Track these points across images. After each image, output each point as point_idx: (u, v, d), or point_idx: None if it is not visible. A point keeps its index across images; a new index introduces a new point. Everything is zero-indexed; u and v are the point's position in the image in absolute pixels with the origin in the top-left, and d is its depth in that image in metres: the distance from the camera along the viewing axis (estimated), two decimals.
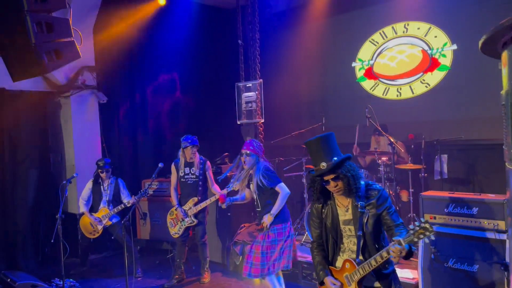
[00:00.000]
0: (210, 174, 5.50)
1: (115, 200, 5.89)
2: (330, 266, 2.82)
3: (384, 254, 2.48)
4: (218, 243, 6.17)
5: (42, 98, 6.91)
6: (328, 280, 2.76)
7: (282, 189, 4.21)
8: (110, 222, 5.83)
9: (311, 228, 2.95)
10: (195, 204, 5.35)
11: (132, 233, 5.55)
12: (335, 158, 2.58)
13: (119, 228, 5.66)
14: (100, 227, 5.80)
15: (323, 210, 2.79)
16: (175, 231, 5.48)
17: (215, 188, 5.42)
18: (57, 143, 7.04)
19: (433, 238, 2.32)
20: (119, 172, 6.37)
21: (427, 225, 2.31)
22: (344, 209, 2.71)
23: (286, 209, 4.32)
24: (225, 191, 5.03)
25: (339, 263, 2.79)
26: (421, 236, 2.32)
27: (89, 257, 6.33)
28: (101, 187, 5.91)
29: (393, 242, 2.40)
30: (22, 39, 3.97)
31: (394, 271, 2.73)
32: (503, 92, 1.59)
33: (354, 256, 2.68)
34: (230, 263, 5.91)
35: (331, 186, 2.63)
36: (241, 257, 5.69)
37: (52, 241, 5.20)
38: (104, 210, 5.82)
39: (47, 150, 7.00)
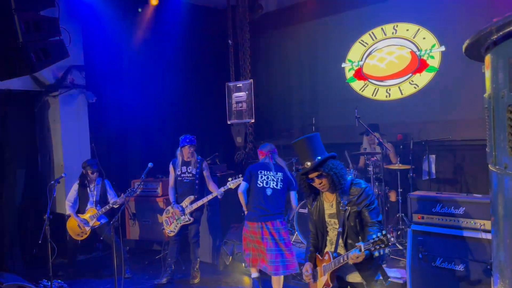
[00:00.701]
0: (207, 173, 5.54)
1: (102, 201, 5.85)
2: (317, 254, 3.01)
3: (345, 257, 2.68)
4: (208, 244, 6.16)
5: (30, 98, 6.85)
6: (305, 265, 3.02)
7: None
8: (98, 223, 5.78)
9: (309, 219, 3.15)
10: (191, 203, 5.37)
11: (121, 233, 5.52)
12: (319, 157, 2.75)
13: (108, 229, 5.62)
14: (87, 229, 5.75)
15: (313, 203, 2.98)
16: (170, 229, 5.48)
17: (212, 187, 5.44)
18: (45, 143, 6.97)
19: (387, 252, 2.50)
20: (108, 172, 6.32)
21: (384, 239, 2.48)
22: (329, 203, 2.89)
23: (250, 210, 4.62)
24: (222, 190, 5.22)
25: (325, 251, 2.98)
26: (377, 247, 2.48)
27: (77, 258, 6.28)
28: (87, 188, 5.87)
29: (354, 248, 2.59)
30: (10, 38, 3.93)
31: (377, 265, 2.83)
32: (486, 95, 1.62)
33: (334, 249, 2.86)
34: (220, 263, 5.91)
35: (316, 184, 2.81)
36: (231, 257, 5.70)
37: (40, 241, 5.15)
38: (91, 211, 5.78)
39: (35, 150, 6.94)
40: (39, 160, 6.98)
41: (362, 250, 2.51)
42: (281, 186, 4.55)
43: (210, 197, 5.34)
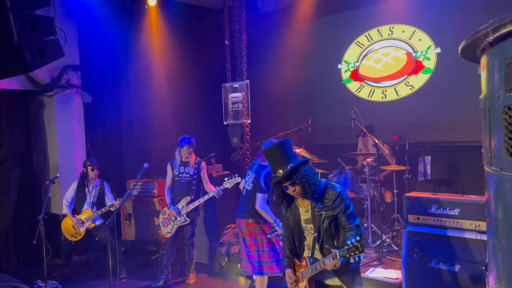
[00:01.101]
0: (205, 174, 5.53)
1: (99, 202, 5.83)
2: (295, 259, 2.98)
3: (322, 264, 2.67)
4: (204, 244, 6.15)
5: (25, 97, 6.81)
6: (286, 272, 2.96)
7: None
8: (93, 225, 5.76)
9: (282, 224, 3.13)
10: (188, 204, 5.35)
11: (117, 234, 5.50)
12: (291, 165, 2.69)
13: (103, 229, 5.60)
14: (82, 230, 5.72)
15: (288, 209, 2.94)
16: (167, 230, 5.46)
17: (209, 188, 5.43)
18: (40, 143, 6.93)
19: (362, 258, 2.53)
20: (103, 173, 6.29)
21: (358, 245, 2.47)
22: (304, 209, 2.86)
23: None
24: (220, 188, 5.22)
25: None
26: (352, 253, 2.48)
27: (72, 259, 6.25)
28: (86, 188, 5.85)
29: (330, 255, 2.59)
30: (5, 37, 3.91)
31: (355, 269, 2.82)
32: (481, 96, 1.62)
33: (310, 254, 2.85)
34: (216, 264, 5.90)
35: (290, 191, 2.77)
36: (226, 258, 5.69)
37: (35, 242, 5.13)
38: (87, 212, 5.76)
39: (30, 150, 6.90)
40: (34, 160, 6.95)
41: (337, 257, 2.51)
42: (251, 187, 4.45)
43: (206, 197, 5.34)
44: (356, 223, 2.73)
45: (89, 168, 5.81)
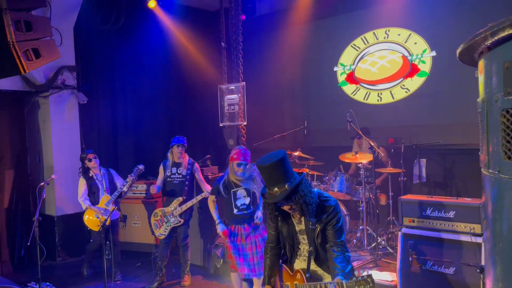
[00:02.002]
0: (200, 175, 5.49)
1: (112, 187, 5.74)
2: (285, 267, 2.89)
3: (323, 286, 2.59)
4: (199, 246, 6.13)
5: (20, 98, 6.78)
6: None
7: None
8: (114, 208, 5.57)
9: (267, 229, 2.99)
10: (181, 204, 5.33)
11: (112, 235, 5.46)
12: (289, 184, 2.54)
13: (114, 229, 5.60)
14: (106, 216, 5.60)
15: (279, 218, 2.82)
16: (160, 232, 5.42)
17: (207, 188, 5.37)
18: (35, 144, 6.90)
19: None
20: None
21: (369, 279, 2.41)
22: (297, 220, 2.78)
23: None
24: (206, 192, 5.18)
25: (296, 265, 2.88)
26: (362, 287, 2.42)
27: (66, 260, 6.19)
28: (95, 180, 5.75)
29: (334, 281, 2.49)
30: (0, 37, 3.89)
31: None
32: (479, 99, 1.64)
33: (306, 267, 2.76)
34: (211, 266, 5.88)
35: (286, 208, 2.67)
36: (222, 260, 5.67)
37: (29, 243, 5.09)
38: (105, 198, 5.64)
39: (24, 151, 6.86)
40: (28, 161, 6.90)
41: (345, 287, 2.43)
42: None
43: (199, 197, 5.29)
44: (342, 239, 2.68)
45: (87, 157, 5.73)
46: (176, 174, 5.42)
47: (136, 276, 5.94)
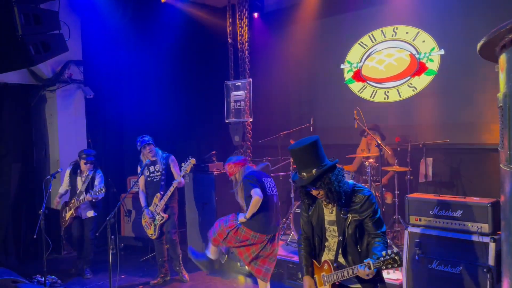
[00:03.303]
0: (175, 168, 5.42)
1: (87, 189, 5.75)
2: (314, 261, 2.88)
3: (350, 272, 2.56)
4: (203, 242, 6.13)
5: (27, 92, 6.80)
6: (306, 281, 2.84)
7: (253, 194, 4.13)
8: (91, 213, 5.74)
9: (301, 221, 2.97)
10: (160, 200, 5.31)
11: (117, 230, 5.48)
12: (316, 169, 2.55)
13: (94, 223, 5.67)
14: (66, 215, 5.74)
15: (311, 208, 2.83)
16: (151, 232, 5.43)
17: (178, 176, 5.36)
18: (41, 138, 6.92)
19: (399, 270, 2.43)
20: (104, 169, 6.27)
21: (396, 258, 2.37)
22: (329, 210, 2.74)
23: (262, 220, 4.19)
24: (179, 178, 5.22)
25: (323, 258, 2.85)
26: (389, 266, 2.39)
27: (71, 254, 6.21)
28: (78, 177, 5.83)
29: (363, 264, 2.46)
30: (9, 30, 3.89)
31: (378, 274, 2.69)
32: (500, 94, 1.61)
33: (333, 258, 2.73)
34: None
35: (314, 193, 2.67)
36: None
37: (35, 236, 5.11)
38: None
39: (30, 145, 6.89)
40: (35, 154, 6.93)
41: (372, 268, 2.40)
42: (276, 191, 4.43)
43: (171, 188, 5.26)
44: (383, 230, 2.62)
45: (82, 161, 5.74)
46: (155, 172, 5.40)
47: (140, 270, 5.96)
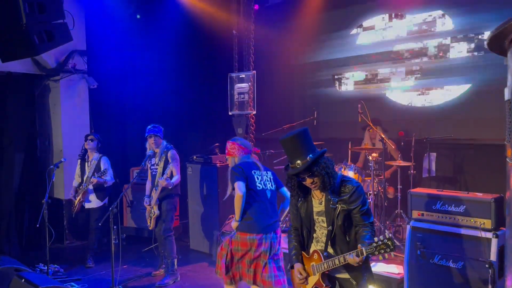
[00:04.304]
0: (173, 163, 5.18)
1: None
2: (303, 252, 2.91)
3: (341, 259, 2.59)
4: (205, 233, 6.16)
5: (31, 81, 6.80)
6: (296, 267, 2.86)
7: (235, 189, 3.71)
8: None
9: (290, 214, 3.01)
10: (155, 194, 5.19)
11: (119, 221, 5.50)
12: (310, 156, 2.60)
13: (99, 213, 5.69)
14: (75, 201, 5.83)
15: (300, 200, 2.85)
16: (148, 223, 5.39)
17: (173, 176, 5.19)
18: (45, 128, 6.93)
19: (393, 255, 2.43)
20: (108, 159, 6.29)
21: (389, 242, 2.40)
22: (318, 201, 2.78)
23: (253, 219, 3.72)
24: (165, 176, 5.01)
25: (312, 249, 2.87)
26: (382, 251, 2.42)
27: (74, 243, 6.25)
28: (86, 163, 5.92)
29: (353, 251, 2.50)
30: (13, 19, 3.88)
31: (365, 263, 2.72)
32: (507, 88, 1.59)
33: (323, 248, 2.76)
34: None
35: (308, 183, 2.68)
36: None
37: (38, 225, 5.14)
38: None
39: (34, 134, 6.90)
40: (38, 144, 6.95)
41: (364, 254, 2.43)
42: (274, 186, 3.95)
43: (159, 188, 5.06)
44: (371, 220, 2.66)
45: (87, 143, 5.85)
46: (155, 165, 5.31)
47: (142, 261, 5.99)
